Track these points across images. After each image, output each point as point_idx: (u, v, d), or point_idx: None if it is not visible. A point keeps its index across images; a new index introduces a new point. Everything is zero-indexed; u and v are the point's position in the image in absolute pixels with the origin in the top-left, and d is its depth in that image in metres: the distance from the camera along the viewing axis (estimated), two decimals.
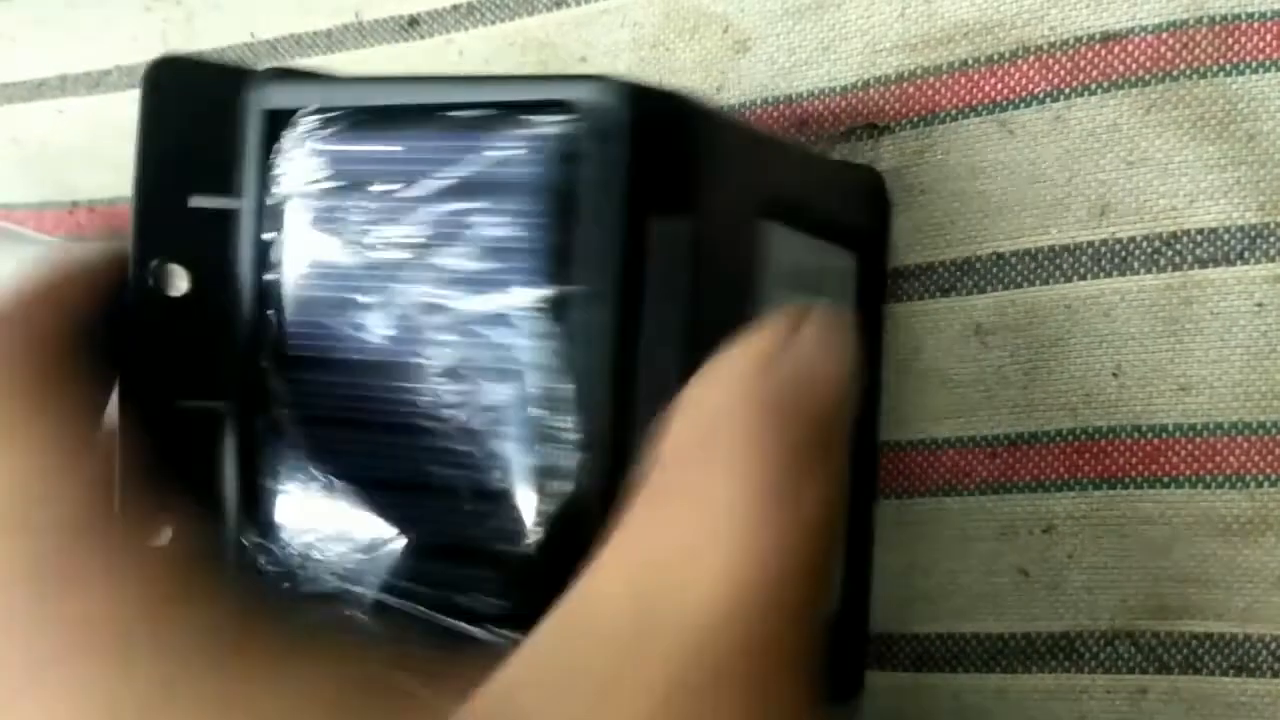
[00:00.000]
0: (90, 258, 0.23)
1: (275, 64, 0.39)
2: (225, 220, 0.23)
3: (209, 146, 0.23)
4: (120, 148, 0.42)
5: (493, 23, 0.36)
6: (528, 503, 0.21)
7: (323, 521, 0.22)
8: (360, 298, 0.22)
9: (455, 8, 0.37)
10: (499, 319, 0.20)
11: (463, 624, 0.21)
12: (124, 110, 0.42)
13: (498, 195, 0.20)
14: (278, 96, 0.23)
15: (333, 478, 0.22)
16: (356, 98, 0.22)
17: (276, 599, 0.20)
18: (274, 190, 0.22)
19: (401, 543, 0.22)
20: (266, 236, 0.23)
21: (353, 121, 0.22)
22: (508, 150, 0.20)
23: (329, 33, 0.39)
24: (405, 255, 0.21)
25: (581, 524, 0.20)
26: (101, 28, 0.42)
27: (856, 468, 0.30)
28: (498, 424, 0.21)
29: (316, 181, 0.22)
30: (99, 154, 0.43)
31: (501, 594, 0.21)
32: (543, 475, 0.21)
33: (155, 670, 0.18)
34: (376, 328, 0.21)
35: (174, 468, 0.22)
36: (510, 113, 0.20)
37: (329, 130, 0.22)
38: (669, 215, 0.20)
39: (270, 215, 0.23)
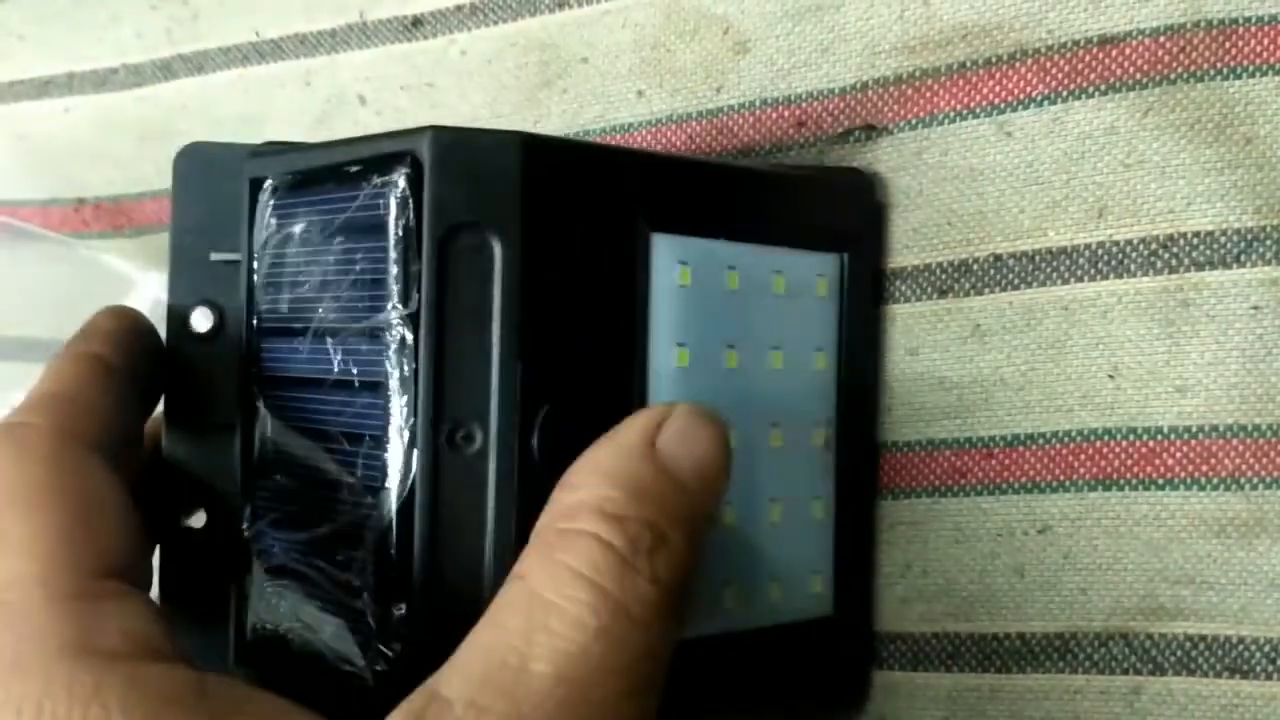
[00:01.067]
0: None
1: (280, 63, 0.40)
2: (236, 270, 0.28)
3: (226, 210, 0.28)
4: (126, 145, 0.42)
5: (495, 23, 0.36)
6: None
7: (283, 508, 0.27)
8: (295, 325, 0.26)
9: (458, 8, 0.37)
10: (372, 337, 0.25)
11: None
12: (130, 108, 0.42)
13: (366, 236, 0.25)
14: (254, 167, 0.28)
15: (286, 476, 0.27)
16: (289, 165, 0.27)
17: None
18: (255, 242, 0.27)
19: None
20: (255, 280, 0.28)
21: (290, 183, 0.27)
22: (372, 198, 0.25)
23: (333, 32, 0.39)
24: (318, 290, 0.26)
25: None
26: (108, 26, 0.43)
27: (855, 468, 0.30)
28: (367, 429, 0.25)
29: (270, 234, 0.27)
30: (105, 151, 0.43)
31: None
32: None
33: None
34: (303, 350, 0.26)
35: (205, 469, 0.28)
36: (380, 166, 0.25)
37: (276, 193, 0.27)
38: (475, 240, 0.24)
39: (256, 262, 0.28)
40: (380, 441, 0.25)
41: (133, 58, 0.42)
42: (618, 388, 0.26)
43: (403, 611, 0.24)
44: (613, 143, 0.35)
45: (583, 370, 0.25)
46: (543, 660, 0.19)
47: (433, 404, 0.24)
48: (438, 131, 0.24)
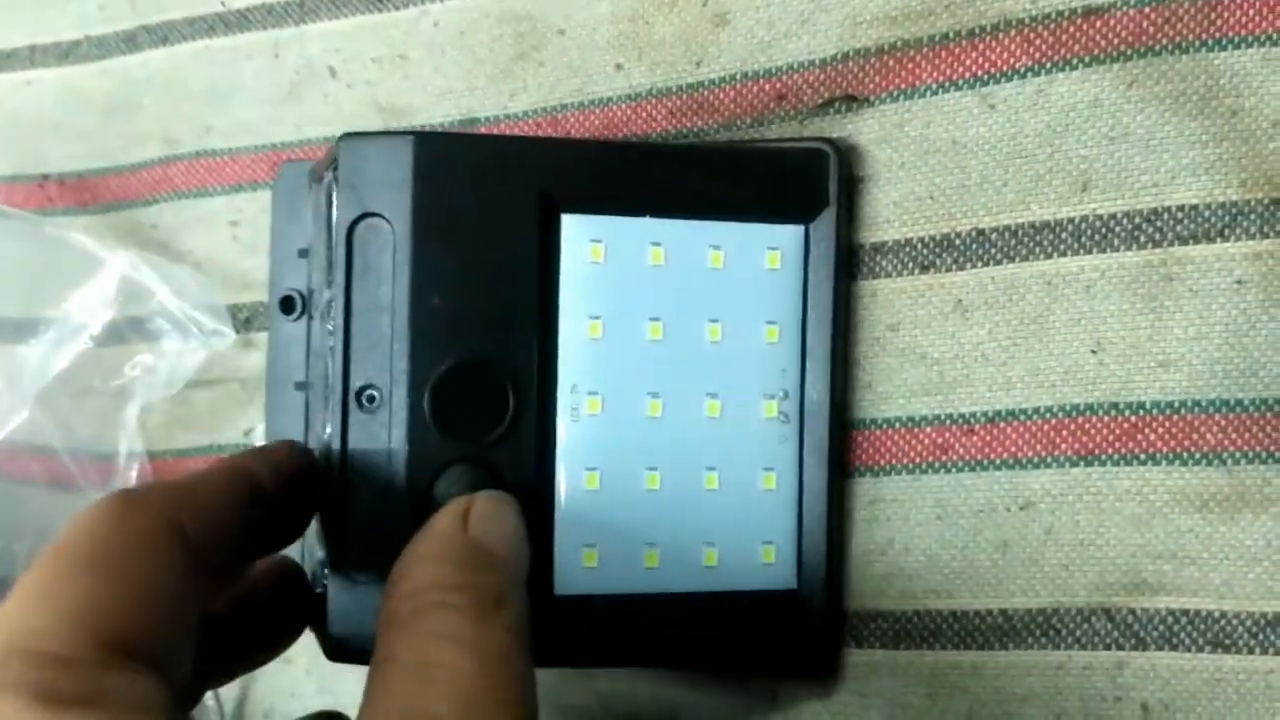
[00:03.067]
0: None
1: (247, 34, 0.39)
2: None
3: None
4: (90, 119, 0.41)
5: None
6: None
7: None
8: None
9: None
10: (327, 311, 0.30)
11: None
12: (94, 81, 0.41)
13: (321, 227, 0.31)
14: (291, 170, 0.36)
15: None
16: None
17: None
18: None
19: None
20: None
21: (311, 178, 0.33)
22: (322, 195, 0.30)
23: (301, 2, 0.38)
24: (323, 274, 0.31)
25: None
26: None
27: (819, 443, 0.30)
28: None
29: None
30: (69, 126, 0.42)
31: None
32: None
33: None
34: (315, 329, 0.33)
35: None
36: (328, 166, 0.30)
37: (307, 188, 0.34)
38: (379, 227, 0.28)
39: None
40: (325, 401, 0.29)
41: (95, 29, 0.41)
42: (522, 355, 0.29)
43: (320, 556, 0.29)
44: (589, 118, 0.34)
45: (479, 339, 0.28)
46: (443, 703, 0.21)
47: (343, 367, 0.28)
48: (345, 136, 0.29)
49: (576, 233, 0.29)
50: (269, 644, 0.29)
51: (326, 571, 0.29)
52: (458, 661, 0.22)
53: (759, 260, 0.30)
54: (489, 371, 0.28)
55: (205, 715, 0.39)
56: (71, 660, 0.20)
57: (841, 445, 0.31)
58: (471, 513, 0.25)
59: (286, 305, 0.36)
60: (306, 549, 0.32)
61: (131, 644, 0.21)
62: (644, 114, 0.34)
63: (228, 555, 0.25)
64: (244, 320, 0.39)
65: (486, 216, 0.28)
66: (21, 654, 0.20)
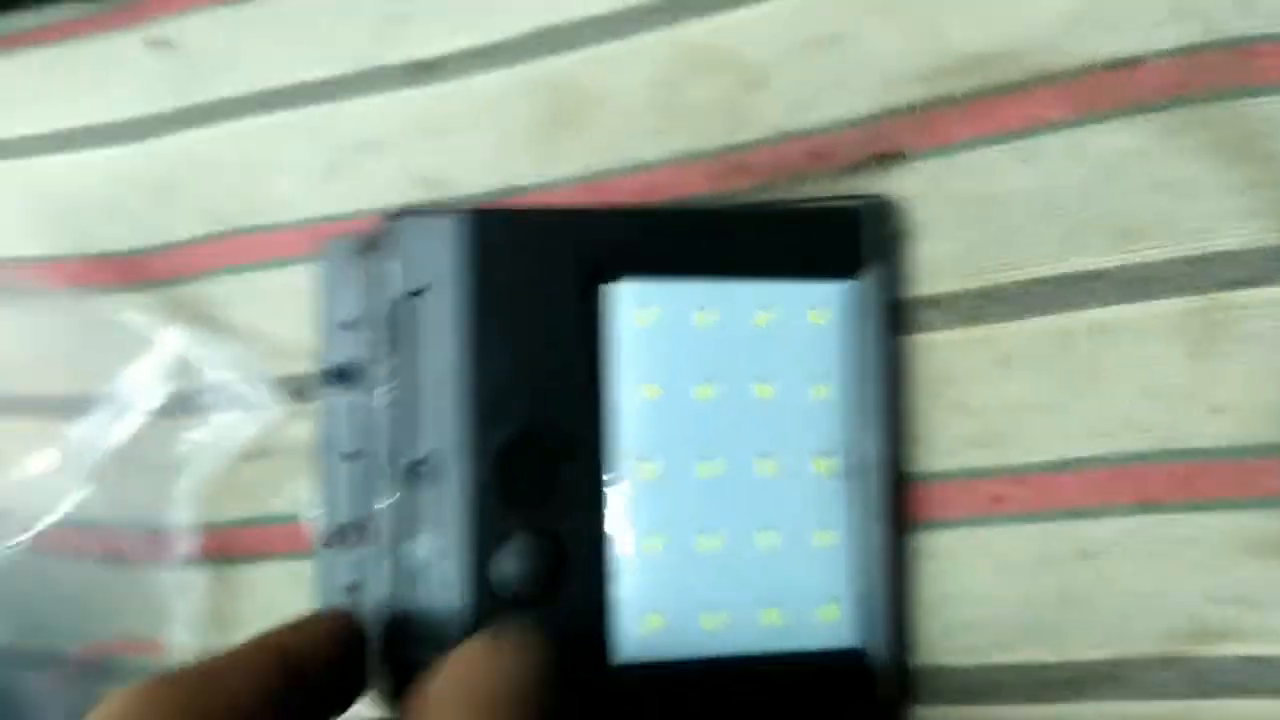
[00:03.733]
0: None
1: (286, 111, 0.39)
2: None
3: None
4: (136, 199, 0.42)
5: (508, 64, 0.36)
6: None
7: None
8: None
9: (469, 51, 0.37)
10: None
11: None
12: (139, 162, 0.42)
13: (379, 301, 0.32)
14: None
15: None
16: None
17: None
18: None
19: None
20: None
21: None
22: (380, 269, 0.32)
23: (341, 80, 0.39)
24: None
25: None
26: (111, 80, 0.42)
27: (872, 498, 0.31)
28: None
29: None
30: (116, 205, 0.43)
31: None
32: None
33: None
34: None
35: None
36: (380, 240, 0.31)
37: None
38: (435, 301, 0.29)
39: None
40: (380, 472, 0.30)
41: (138, 111, 0.42)
42: (578, 423, 0.29)
43: (380, 642, 0.29)
44: (628, 183, 0.35)
45: (536, 408, 0.29)
46: None
47: (400, 440, 0.29)
48: (400, 213, 0.30)
49: (626, 299, 0.30)
50: (326, 715, 0.28)
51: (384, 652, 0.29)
52: None
53: (805, 318, 0.31)
54: (547, 440, 0.29)
55: None
56: None
57: (897, 500, 0.31)
58: (498, 650, 0.25)
59: (334, 377, 0.36)
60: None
61: None
62: (683, 177, 0.34)
63: None
64: (294, 391, 0.39)
65: (538, 287, 0.29)
66: None
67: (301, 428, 0.39)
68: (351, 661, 0.27)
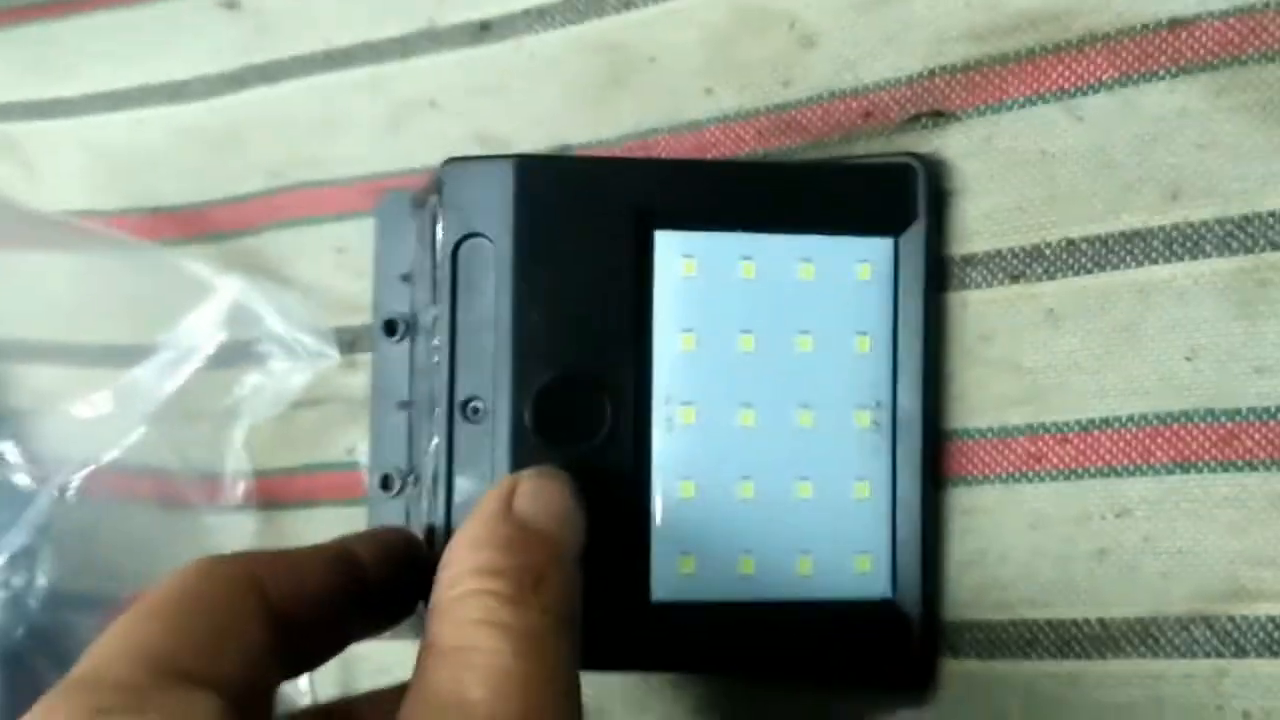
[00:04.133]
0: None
1: (350, 70, 0.40)
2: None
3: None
4: (199, 155, 0.43)
5: (563, 25, 0.37)
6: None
7: None
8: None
9: (526, 12, 0.38)
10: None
11: None
12: (203, 119, 0.43)
13: (425, 249, 0.32)
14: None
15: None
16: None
17: None
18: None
19: None
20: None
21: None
22: (426, 218, 0.32)
23: (403, 39, 0.40)
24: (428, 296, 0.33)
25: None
26: (181, 40, 0.44)
27: (912, 452, 0.31)
28: None
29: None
30: (179, 161, 0.44)
31: None
32: None
33: None
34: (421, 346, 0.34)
35: None
36: (431, 190, 0.31)
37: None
38: (481, 247, 0.30)
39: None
40: (430, 415, 0.31)
41: (205, 69, 0.43)
42: (619, 368, 0.30)
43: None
44: (681, 141, 0.35)
45: (578, 352, 0.29)
46: (477, 688, 0.22)
47: (448, 381, 0.30)
48: (449, 161, 0.30)
49: (670, 248, 0.30)
50: (383, 620, 0.29)
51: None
52: (493, 645, 0.22)
53: (849, 273, 0.31)
54: (587, 383, 0.29)
55: (293, 697, 0.40)
56: (126, 684, 0.22)
57: (935, 455, 0.31)
58: (517, 491, 0.26)
59: (389, 328, 0.37)
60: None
61: (186, 670, 0.22)
62: (733, 136, 0.35)
63: (320, 627, 0.26)
64: (348, 343, 0.40)
65: (583, 234, 0.30)
66: (83, 682, 0.22)
67: (354, 378, 0.40)
68: (412, 576, 0.28)
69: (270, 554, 0.26)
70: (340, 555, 0.27)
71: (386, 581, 0.27)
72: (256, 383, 0.41)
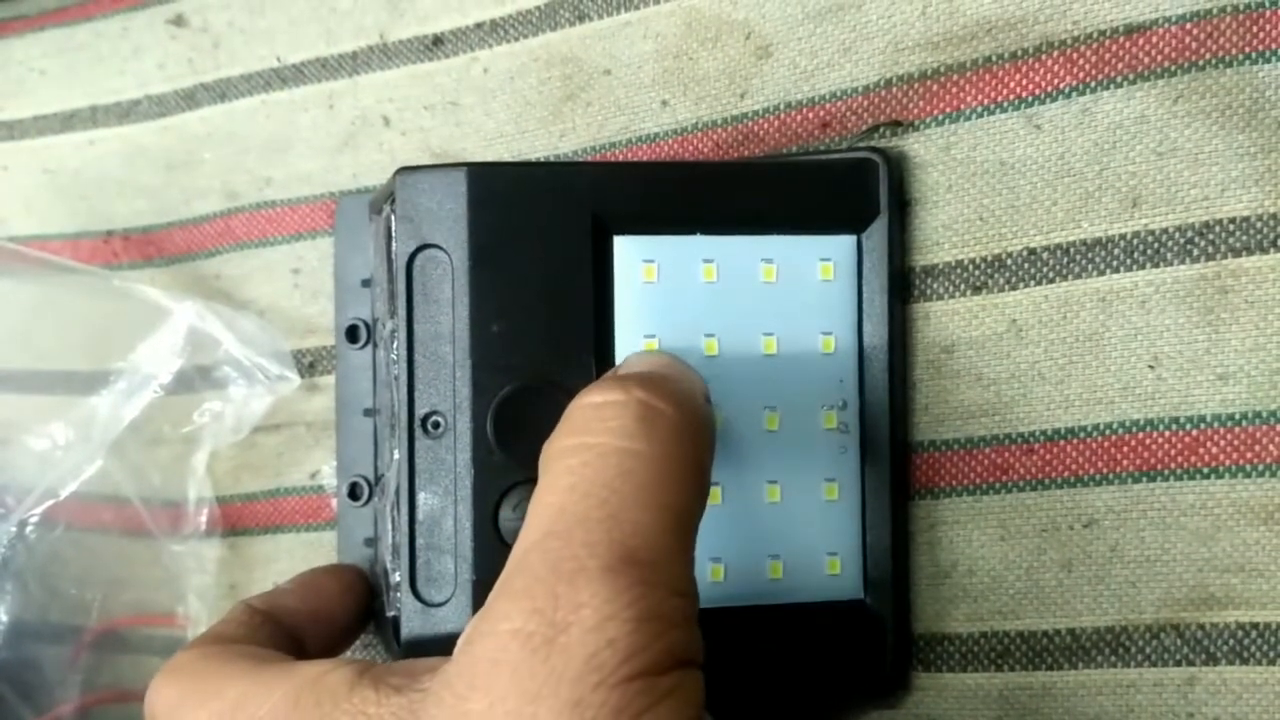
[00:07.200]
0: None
1: (302, 87, 0.40)
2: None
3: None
4: (152, 176, 0.42)
5: (516, 39, 0.37)
6: None
7: None
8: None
9: (479, 25, 0.37)
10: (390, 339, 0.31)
11: None
12: (155, 139, 0.42)
13: (381, 261, 0.32)
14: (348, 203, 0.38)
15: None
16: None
17: None
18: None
19: None
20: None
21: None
22: (381, 228, 0.32)
23: (354, 54, 0.39)
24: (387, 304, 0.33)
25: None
26: (129, 58, 0.43)
27: (879, 452, 0.31)
28: None
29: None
30: (132, 182, 0.43)
31: None
32: None
33: None
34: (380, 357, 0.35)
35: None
36: (386, 201, 0.31)
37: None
38: (436, 258, 0.29)
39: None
40: (392, 429, 0.30)
41: (155, 88, 0.43)
42: (580, 377, 0.28)
43: (396, 580, 0.30)
44: (637, 154, 0.35)
45: (539, 362, 0.29)
46: (617, 480, 0.22)
47: (408, 396, 0.29)
48: (401, 171, 0.29)
49: (629, 254, 0.30)
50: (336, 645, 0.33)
51: (398, 596, 0.30)
52: (623, 423, 0.23)
53: (812, 272, 0.31)
54: (549, 393, 0.29)
55: None
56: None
57: (899, 458, 0.31)
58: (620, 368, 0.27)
59: (352, 334, 0.37)
60: (377, 572, 0.33)
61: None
62: (690, 148, 0.34)
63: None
64: (308, 365, 0.40)
65: (540, 242, 0.29)
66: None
67: (315, 401, 0.39)
68: (341, 613, 0.32)
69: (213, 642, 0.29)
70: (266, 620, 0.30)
71: (319, 624, 0.31)
72: (216, 408, 0.40)
